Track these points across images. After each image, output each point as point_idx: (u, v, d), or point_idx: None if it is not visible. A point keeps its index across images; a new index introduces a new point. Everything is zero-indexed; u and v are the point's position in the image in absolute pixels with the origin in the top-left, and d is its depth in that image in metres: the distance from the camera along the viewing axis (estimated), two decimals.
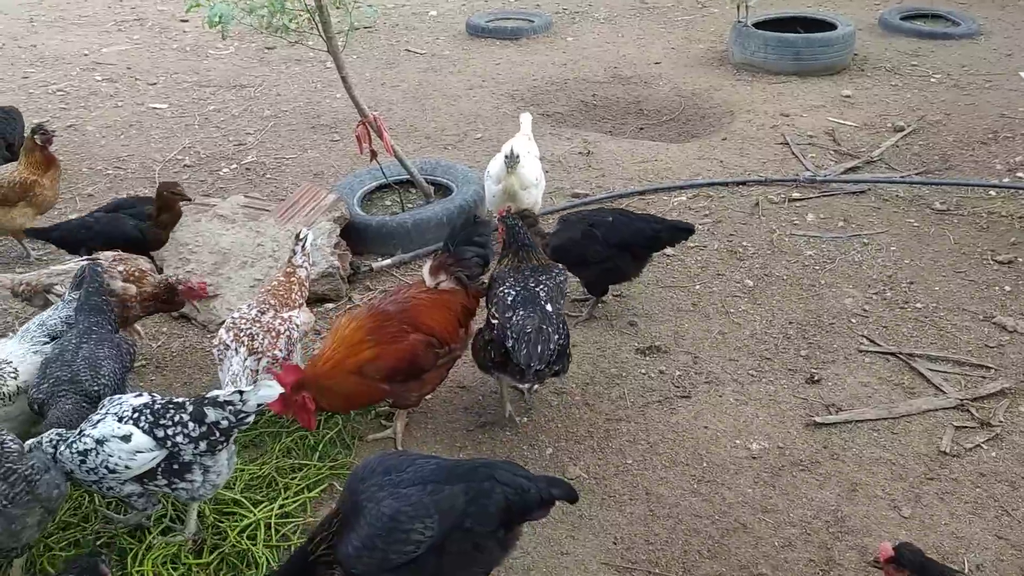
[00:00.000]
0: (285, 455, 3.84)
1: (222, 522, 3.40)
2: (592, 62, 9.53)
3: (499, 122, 8.00)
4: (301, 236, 4.36)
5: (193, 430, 3.04)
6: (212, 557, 3.26)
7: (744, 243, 5.70)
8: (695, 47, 9.89)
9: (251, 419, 3.13)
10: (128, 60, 10.05)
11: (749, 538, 3.49)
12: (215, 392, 3.15)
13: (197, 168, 7.16)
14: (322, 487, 3.68)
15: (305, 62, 9.84)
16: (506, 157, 5.31)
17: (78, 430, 3.09)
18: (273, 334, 3.86)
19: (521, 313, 3.73)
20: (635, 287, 5.24)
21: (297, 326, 4.02)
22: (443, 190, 6.19)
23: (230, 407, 3.06)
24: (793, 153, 7.01)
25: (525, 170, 5.38)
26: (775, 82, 8.60)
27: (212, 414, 3.06)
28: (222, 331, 3.89)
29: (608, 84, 9.00)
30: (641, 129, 8.07)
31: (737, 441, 3.99)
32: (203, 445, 3.06)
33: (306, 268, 4.33)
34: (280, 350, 3.82)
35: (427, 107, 8.44)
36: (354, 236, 5.72)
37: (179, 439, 3.04)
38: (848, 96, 8.23)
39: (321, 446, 3.87)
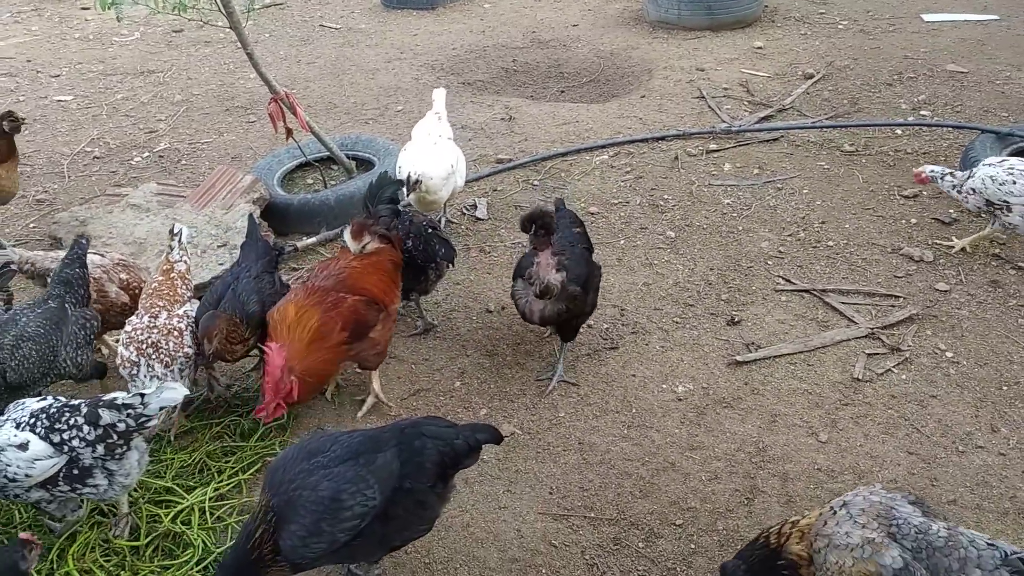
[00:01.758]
0: (216, 440, 3.80)
1: (156, 509, 3.36)
2: (510, 28, 9.50)
3: (419, 93, 7.91)
4: (175, 231, 4.18)
5: (88, 433, 2.94)
6: (146, 541, 3.23)
7: (665, 196, 5.81)
8: (611, 7, 9.94)
9: (153, 422, 3.04)
10: (27, 52, 9.59)
11: (678, 475, 3.62)
12: (113, 394, 3.05)
13: (107, 159, 6.92)
14: (256, 467, 3.66)
15: (215, 43, 9.54)
16: (406, 185, 4.90)
17: None
18: (176, 333, 3.69)
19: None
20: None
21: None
22: (365, 164, 6.13)
23: (129, 410, 2.98)
24: (709, 106, 7.15)
25: (432, 182, 5.00)
26: (690, 38, 8.73)
27: (107, 416, 2.96)
28: (121, 348, 3.67)
29: (527, 49, 8.99)
30: (562, 92, 8.11)
31: (664, 385, 4.11)
32: (100, 449, 2.96)
33: (185, 262, 4.14)
34: (189, 346, 3.71)
35: (345, 82, 8.30)
36: (276, 216, 5.64)
37: (75, 443, 2.94)
38: (760, 47, 8.41)
39: (260, 429, 3.83)
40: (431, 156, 5.10)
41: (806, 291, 4.74)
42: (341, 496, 2.67)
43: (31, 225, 5.93)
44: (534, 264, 3.85)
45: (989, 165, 4.78)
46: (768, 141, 6.50)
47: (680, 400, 4.02)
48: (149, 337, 3.66)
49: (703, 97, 7.32)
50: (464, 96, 7.84)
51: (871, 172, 5.98)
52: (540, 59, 8.76)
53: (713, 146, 6.44)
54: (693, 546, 3.33)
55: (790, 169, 6.08)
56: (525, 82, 8.38)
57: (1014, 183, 4.62)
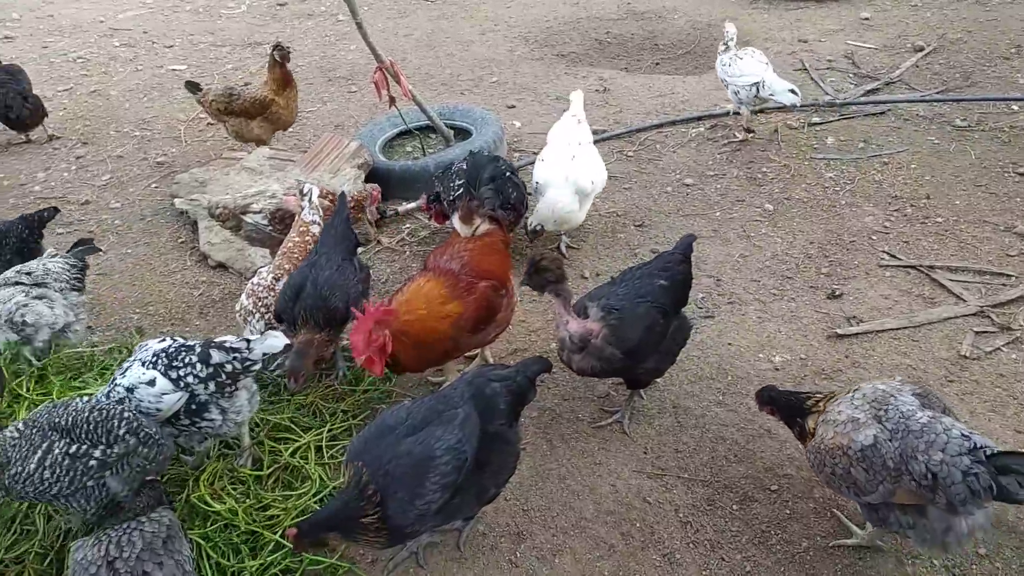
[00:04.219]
0: (328, 387, 4.02)
1: (276, 445, 3.61)
2: None
3: (513, 64, 8.01)
4: (304, 191, 4.28)
5: (201, 371, 3.18)
6: (268, 471, 3.48)
7: (764, 169, 5.73)
8: None
9: (257, 366, 3.27)
10: (144, 24, 10.14)
11: (774, 443, 3.64)
12: (224, 337, 3.30)
13: (219, 125, 7.28)
14: (365, 414, 3.86)
15: (317, 16, 9.87)
16: (529, 232, 4.80)
17: (111, 380, 3.23)
18: None
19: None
20: (656, 216, 5.33)
21: None
22: (462, 133, 6.28)
23: (235, 353, 3.22)
24: (812, 78, 6.97)
25: (566, 213, 4.78)
26: (792, 8, 8.49)
27: (217, 356, 3.20)
28: (243, 297, 3.95)
29: (622, 21, 8.93)
30: (657, 64, 8.04)
31: (760, 355, 4.12)
32: (212, 386, 3.19)
33: (318, 223, 4.27)
34: None
35: (441, 54, 8.46)
36: (378, 182, 5.84)
37: (190, 380, 3.17)
38: (867, 19, 8.11)
39: (367, 378, 4.02)
40: (577, 152, 4.88)
41: (912, 267, 4.63)
42: (435, 454, 2.78)
43: (153, 185, 6.34)
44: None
45: None
46: (874, 115, 6.30)
47: (777, 370, 4.02)
48: (267, 297, 3.92)
49: (805, 69, 7.14)
50: (558, 68, 7.88)
51: (984, 148, 5.73)
52: (635, 31, 8.70)
53: (816, 119, 6.30)
54: (788, 512, 3.35)
55: (897, 144, 5.89)
56: (619, 54, 8.34)
57: None
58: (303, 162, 5.78)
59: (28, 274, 3.90)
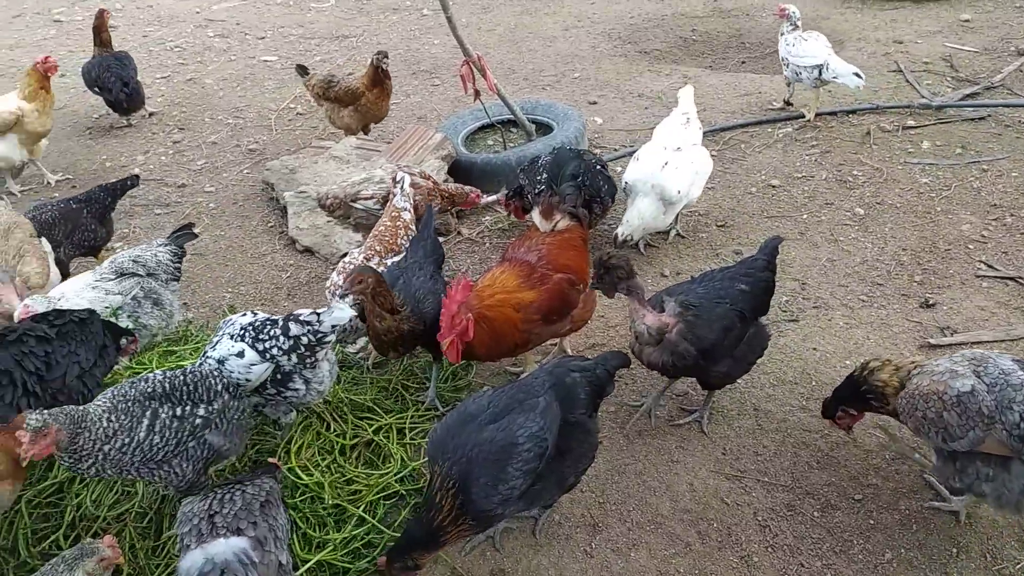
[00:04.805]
0: (409, 375, 4.11)
1: (360, 423, 3.72)
2: None
3: (596, 61, 7.99)
4: (398, 179, 4.38)
5: (283, 343, 3.32)
6: (352, 442, 3.61)
7: (854, 172, 5.58)
8: None
9: (330, 338, 3.37)
10: (237, 16, 10.52)
11: (859, 451, 3.55)
12: (299, 311, 3.42)
13: (309, 115, 7.52)
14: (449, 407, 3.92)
15: (402, 11, 10.05)
16: (619, 243, 4.70)
17: (203, 353, 3.38)
18: None
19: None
20: (739, 217, 5.25)
21: None
22: (544, 128, 6.31)
23: (309, 325, 3.34)
24: (907, 80, 6.74)
25: (644, 219, 4.72)
26: (887, 8, 8.21)
27: (295, 328, 3.33)
28: (334, 274, 4.09)
29: (707, 18, 8.81)
30: (743, 63, 7.90)
31: (847, 361, 4.02)
32: (294, 358, 3.33)
33: (409, 211, 4.38)
34: None
35: (523, 49, 8.51)
36: (460, 174, 5.93)
37: (274, 351, 3.32)
38: (967, 20, 7.78)
39: (446, 367, 4.08)
40: (656, 180, 4.72)
41: (1011, 279, 4.43)
42: (517, 440, 2.83)
43: (245, 171, 6.59)
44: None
45: None
46: (973, 119, 6.05)
47: None
48: None
49: (900, 71, 6.90)
50: (640, 65, 7.83)
51: None
52: (720, 28, 8.57)
53: (911, 122, 6.09)
54: (872, 522, 3.27)
55: (998, 150, 5.64)
56: (704, 52, 8.23)
57: None
58: (388, 152, 5.92)
59: (143, 264, 4.09)
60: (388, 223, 4.32)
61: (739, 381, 3.94)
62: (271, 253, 5.44)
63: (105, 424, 2.79)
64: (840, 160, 5.73)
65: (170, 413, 2.94)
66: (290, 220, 5.55)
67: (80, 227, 4.86)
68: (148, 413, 2.92)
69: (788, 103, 6.55)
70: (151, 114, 7.62)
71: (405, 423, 3.72)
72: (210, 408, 3.06)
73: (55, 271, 4.55)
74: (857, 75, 5.70)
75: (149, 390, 2.98)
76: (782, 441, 3.65)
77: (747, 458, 3.59)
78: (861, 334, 4.19)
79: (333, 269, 4.23)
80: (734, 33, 8.41)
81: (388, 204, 4.49)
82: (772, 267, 3.60)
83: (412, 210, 4.44)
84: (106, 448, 2.79)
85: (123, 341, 3.65)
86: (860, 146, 5.87)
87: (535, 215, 4.09)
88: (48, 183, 6.49)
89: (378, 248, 4.16)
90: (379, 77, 6.13)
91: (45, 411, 2.70)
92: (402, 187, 4.40)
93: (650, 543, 3.25)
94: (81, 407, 2.80)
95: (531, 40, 8.74)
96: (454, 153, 5.91)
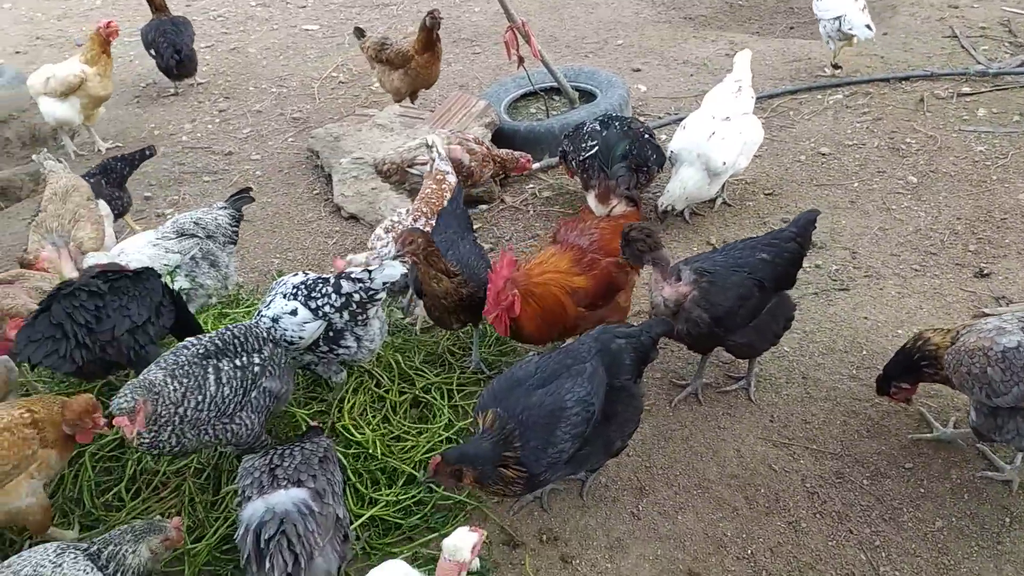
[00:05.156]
0: (456, 340, 4.15)
1: (407, 384, 3.78)
2: None
3: (639, 27, 7.87)
4: (430, 143, 4.38)
5: (335, 300, 3.37)
6: (400, 399, 3.68)
7: (907, 140, 5.44)
8: None
9: (381, 295, 3.41)
10: None
11: (911, 420, 3.52)
12: (350, 269, 3.47)
13: (351, 84, 7.54)
14: (495, 371, 3.96)
15: None
16: (660, 213, 4.70)
17: (256, 312, 3.45)
18: None
19: None
20: (787, 185, 5.17)
21: None
22: (587, 96, 6.25)
23: (360, 283, 3.39)
24: (963, 46, 6.52)
25: (686, 188, 4.69)
26: None
27: (347, 286, 3.38)
28: (379, 229, 4.15)
29: None
30: (791, 28, 7.72)
31: (899, 331, 3.96)
32: (346, 315, 3.38)
33: (451, 172, 4.40)
34: None
35: (565, 16, 8.41)
36: (503, 141, 5.91)
37: (327, 309, 3.37)
38: None
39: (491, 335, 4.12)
40: (702, 150, 4.65)
41: None
42: (566, 405, 2.88)
43: (289, 139, 6.65)
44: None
45: None
46: None
47: None
48: None
49: (955, 36, 6.69)
50: (685, 31, 7.70)
51: None
52: None
53: (966, 89, 5.91)
54: (922, 491, 3.25)
55: None
56: (751, 17, 8.06)
57: None
58: (432, 120, 5.92)
59: (203, 227, 4.15)
60: (433, 185, 4.40)
61: (786, 349, 3.93)
62: (317, 220, 5.51)
63: (174, 388, 2.86)
64: (892, 127, 5.59)
65: (231, 365, 3.02)
66: (335, 187, 5.61)
67: (102, 196, 4.95)
68: (211, 369, 3.00)
69: (836, 66, 6.41)
70: (199, 83, 7.72)
71: (452, 384, 3.77)
72: (262, 355, 3.14)
73: (110, 234, 4.67)
74: (868, 27, 5.93)
75: (201, 351, 3.05)
76: (831, 409, 3.63)
77: (795, 426, 3.58)
78: (914, 303, 4.12)
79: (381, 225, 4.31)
80: None
81: (431, 168, 4.53)
82: (801, 239, 3.50)
83: (455, 172, 4.48)
84: (181, 410, 2.85)
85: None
86: (913, 113, 5.73)
87: (590, 199, 4.07)
88: (99, 150, 6.62)
89: (425, 210, 4.23)
90: (431, 40, 6.06)
91: (123, 390, 2.72)
92: (437, 151, 4.42)
93: (697, 507, 3.27)
94: (140, 378, 2.84)
95: (573, 7, 8.62)
96: (497, 121, 5.89)
